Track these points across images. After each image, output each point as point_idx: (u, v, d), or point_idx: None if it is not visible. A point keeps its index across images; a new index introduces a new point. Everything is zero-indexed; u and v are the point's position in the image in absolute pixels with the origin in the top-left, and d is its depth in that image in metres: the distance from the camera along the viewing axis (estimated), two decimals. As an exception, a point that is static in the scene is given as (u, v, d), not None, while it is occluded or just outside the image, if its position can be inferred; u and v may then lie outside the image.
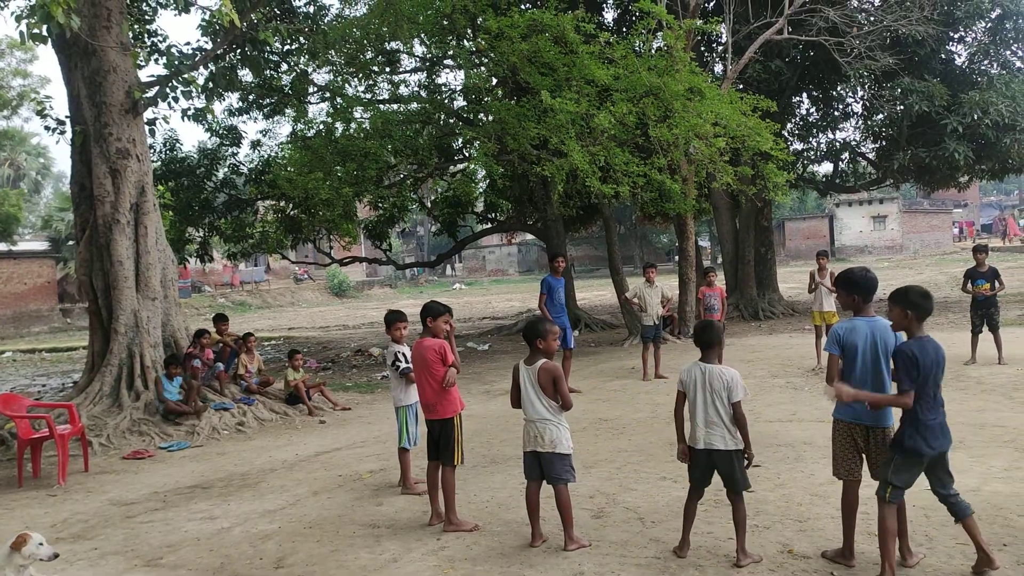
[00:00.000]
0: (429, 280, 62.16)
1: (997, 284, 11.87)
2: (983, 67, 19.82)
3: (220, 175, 20.68)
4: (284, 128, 42.26)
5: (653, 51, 15.13)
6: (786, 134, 20.53)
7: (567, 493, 5.52)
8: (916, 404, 4.51)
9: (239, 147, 20.71)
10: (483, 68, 16.66)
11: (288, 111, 19.96)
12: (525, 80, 14.35)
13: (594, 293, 36.52)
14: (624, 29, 20.20)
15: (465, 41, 16.93)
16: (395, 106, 18.32)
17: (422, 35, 16.45)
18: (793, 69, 20.50)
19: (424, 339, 6.31)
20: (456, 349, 6.47)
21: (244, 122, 34.74)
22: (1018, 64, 19.62)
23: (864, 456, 4.88)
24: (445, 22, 15.28)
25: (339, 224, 17.29)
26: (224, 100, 18.95)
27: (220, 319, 13.10)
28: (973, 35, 19.88)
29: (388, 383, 14.48)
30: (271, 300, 47.36)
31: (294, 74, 19.39)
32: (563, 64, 13.89)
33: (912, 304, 4.63)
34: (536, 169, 14.15)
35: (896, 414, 4.84)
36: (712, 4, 20.94)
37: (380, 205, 20.27)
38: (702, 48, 21.59)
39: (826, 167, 25.13)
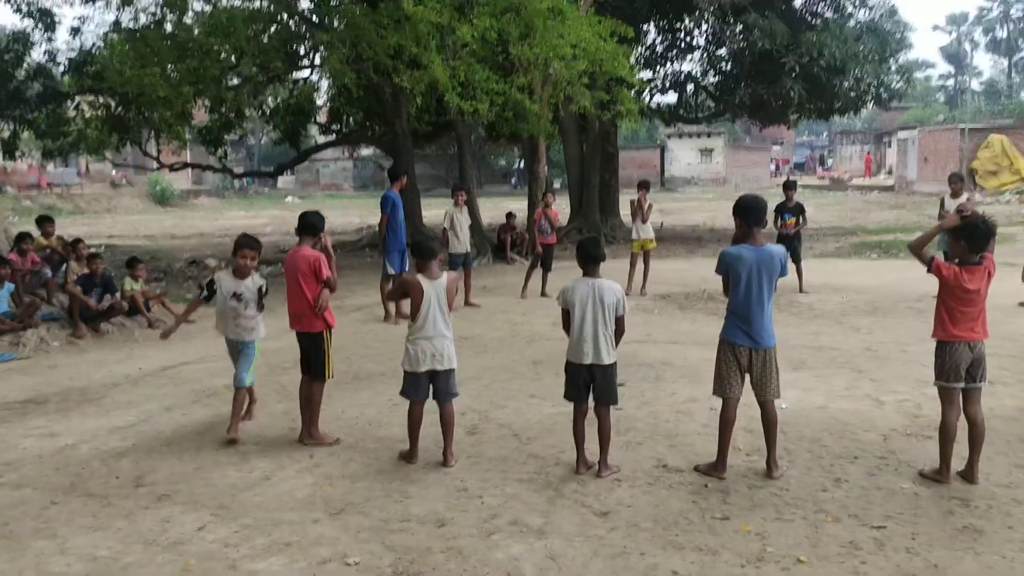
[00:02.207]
0: (259, 192, 59.38)
1: (801, 219, 12.71)
2: (818, 9, 20.84)
3: (32, 62, 18.52)
4: (106, 16, 38.36)
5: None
6: (634, 61, 20.82)
7: (453, 408, 5.54)
8: None
9: (54, 32, 18.58)
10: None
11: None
12: (382, -15, 13.65)
13: (433, 212, 36.17)
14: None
15: (317, -63, 15.85)
16: (237, 2, 16.97)
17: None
18: (645, -3, 20.73)
19: (300, 248, 6.01)
20: (334, 265, 6.18)
21: (59, 6, 31.22)
22: (850, 9, 20.77)
23: (749, 375, 5.10)
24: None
25: (173, 126, 16.03)
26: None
27: (45, 221, 11.92)
28: (812, -24, 20.84)
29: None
30: (84, 205, 43.63)
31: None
32: (423, -29, 13.29)
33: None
34: (393, 80, 13.61)
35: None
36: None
37: (218, 109, 18.92)
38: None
39: (670, 97, 25.85)
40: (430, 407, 5.54)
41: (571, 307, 5.23)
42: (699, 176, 58.28)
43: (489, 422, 6.46)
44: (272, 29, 17.01)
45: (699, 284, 13.25)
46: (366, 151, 53.83)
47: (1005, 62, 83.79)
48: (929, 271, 5.00)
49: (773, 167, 65.90)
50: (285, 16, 18.21)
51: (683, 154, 59.74)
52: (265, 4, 16.75)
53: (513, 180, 61.33)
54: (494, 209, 31.50)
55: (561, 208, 26.57)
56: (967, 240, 4.87)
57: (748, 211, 5.02)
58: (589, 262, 5.27)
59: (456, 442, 5.71)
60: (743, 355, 5.06)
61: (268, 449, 5.94)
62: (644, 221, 12.82)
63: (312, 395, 6.02)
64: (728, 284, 5.09)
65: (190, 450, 5.96)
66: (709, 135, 58.48)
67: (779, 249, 5.14)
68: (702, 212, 34.73)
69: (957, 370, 4.90)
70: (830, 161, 70.97)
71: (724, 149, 59.16)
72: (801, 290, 12.35)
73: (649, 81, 23.60)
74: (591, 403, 5.32)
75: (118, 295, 10.62)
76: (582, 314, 5.17)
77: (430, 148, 37.62)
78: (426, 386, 5.47)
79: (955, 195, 12.14)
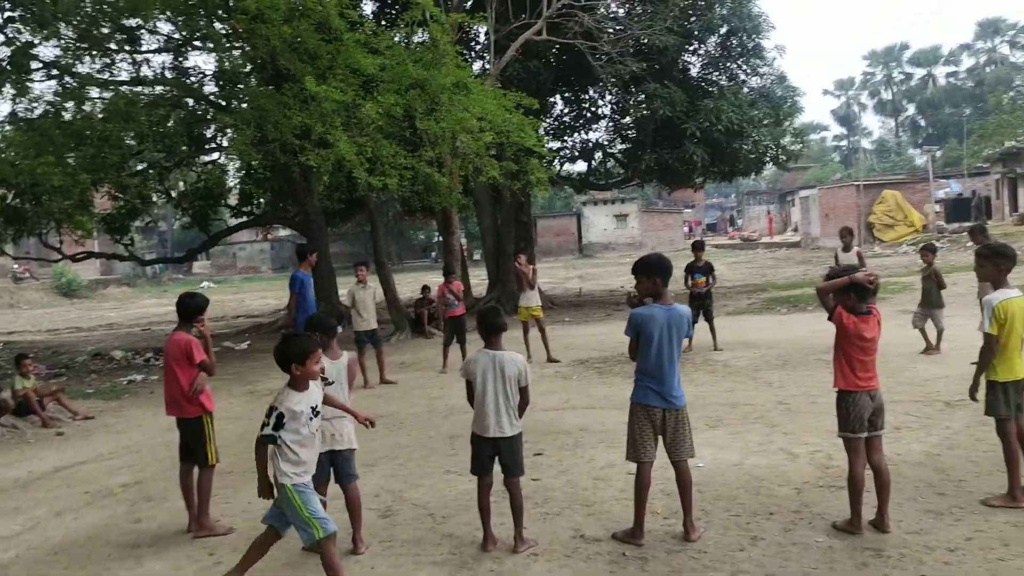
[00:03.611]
0: (174, 279, 57.96)
1: (711, 279, 12.99)
2: (714, 77, 21.76)
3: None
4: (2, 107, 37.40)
5: (419, 43, 15.02)
6: (543, 132, 21.27)
7: (358, 490, 5.31)
8: None
9: (-56, 124, 17.88)
10: (238, 52, 15.66)
11: (6, 88, 17.55)
12: (286, 67, 13.66)
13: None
14: (384, 22, 19.93)
15: (218, 22, 15.80)
16: (138, 88, 16.73)
17: (167, 12, 15.13)
18: (550, 71, 21.28)
19: (176, 332, 5.84)
20: (211, 348, 5.95)
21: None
22: (743, 76, 21.74)
23: (662, 436, 5.05)
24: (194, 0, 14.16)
25: (73, 216, 15.51)
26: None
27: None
28: (706, 48, 21.77)
29: (136, 388, 13.27)
30: (-16, 302, 41.79)
31: (15, 46, 17.10)
32: (327, 52, 13.37)
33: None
34: (300, 159, 13.53)
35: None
36: (471, 2, 21.23)
37: (122, 196, 18.44)
38: (462, 46, 21.83)
39: (580, 166, 26.44)
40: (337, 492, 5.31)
41: (472, 379, 5.13)
42: (615, 241, 59.51)
43: (403, 502, 6.24)
44: (175, 113, 16.83)
45: (616, 348, 13.29)
46: (284, 232, 53.29)
47: (892, 122, 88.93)
48: (830, 319, 5.08)
49: (686, 229, 67.86)
50: (190, 100, 18.07)
51: (599, 220, 61.01)
52: (167, 89, 16.55)
53: (433, 254, 61.58)
54: (414, 283, 31.42)
55: (480, 279, 26.70)
56: (856, 292, 4.99)
57: (658, 270, 5.03)
58: (490, 333, 5.20)
59: (367, 526, 5.48)
60: (656, 416, 5.00)
61: (165, 550, 5.58)
62: (532, 287, 12.95)
63: (200, 483, 5.78)
64: (635, 345, 5.04)
65: (80, 557, 5.56)
66: (623, 201, 60.01)
67: (686, 309, 5.16)
68: (620, 276, 35.30)
69: (861, 420, 4.95)
70: (740, 221, 73.46)
71: (638, 214, 60.70)
72: (716, 348, 12.51)
73: (558, 150, 24.11)
74: (500, 476, 5.18)
75: (6, 393, 10.04)
76: (483, 386, 5.08)
77: (346, 225, 37.44)
78: (327, 467, 5.23)
79: (846, 248, 12.63)
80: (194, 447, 5.84)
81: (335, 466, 5.25)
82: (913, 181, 44.09)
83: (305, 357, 4.47)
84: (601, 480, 6.40)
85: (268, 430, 4.40)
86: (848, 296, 5.03)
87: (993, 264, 5.43)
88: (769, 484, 6.00)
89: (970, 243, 10.57)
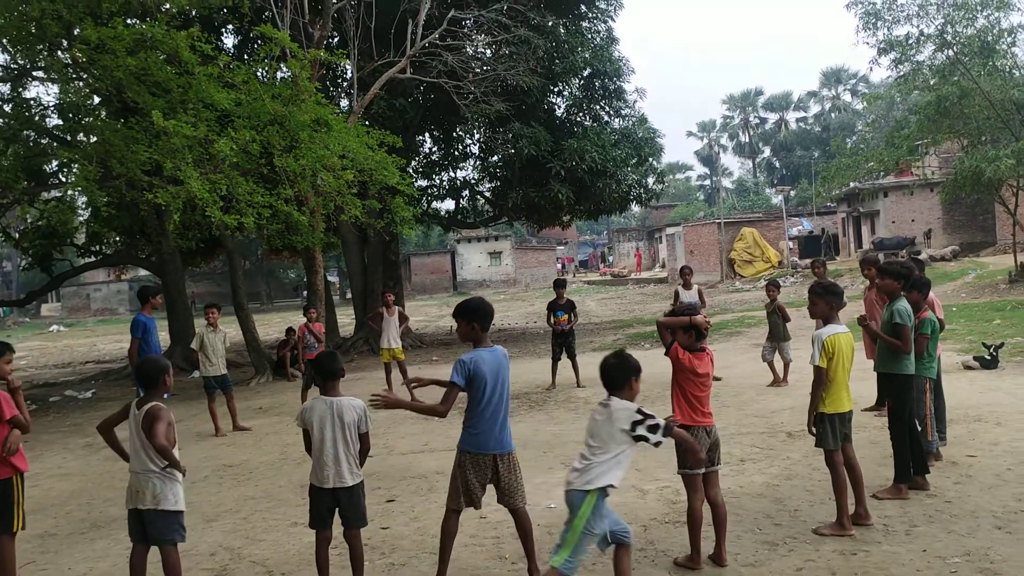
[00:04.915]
0: (19, 322, 54.21)
1: (573, 316, 13.10)
2: (578, 118, 22.33)
3: None
4: None
5: (278, 79, 14.69)
6: (411, 171, 21.20)
7: (176, 555, 4.82)
8: None
9: None
10: (82, 83, 14.87)
11: None
12: (134, 100, 13.06)
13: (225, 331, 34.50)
14: (247, 56, 19.46)
15: (60, 52, 14.99)
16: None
17: (2, 40, 14.24)
18: (417, 109, 21.29)
19: None
20: (23, 402, 5.43)
21: None
22: (605, 118, 22.40)
23: (495, 483, 4.94)
24: (33, 27, 13.36)
25: None
26: None
27: None
28: (570, 90, 22.34)
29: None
30: None
31: None
32: (178, 85, 12.85)
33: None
34: (147, 196, 12.89)
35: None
36: (337, 40, 21.05)
37: (-49, 235, 17.12)
38: (327, 82, 21.58)
39: (449, 204, 26.50)
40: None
41: (309, 428, 4.90)
42: (490, 278, 59.94)
43: (241, 560, 5.88)
44: (13, 147, 15.78)
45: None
46: (143, 272, 50.85)
47: (750, 163, 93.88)
48: (667, 354, 5.15)
49: (559, 266, 69.07)
50: (32, 133, 17.03)
51: (473, 257, 61.35)
52: (5, 121, 15.51)
53: (305, 292, 60.00)
54: (282, 323, 30.52)
55: (351, 318, 26.17)
56: (696, 332, 5.09)
57: (482, 315, 4.94)
58: (326, 378, 4.98)
59: (198, 590, 5.11)
60: (488, 463, 4.89)
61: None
62: (382, 329, 12.89)
63: (4, 553, 5.19)
64: (450, 393, 4.76)
65: None
66: (497, 238, 60.63)
67: (504, 350, 5.08)
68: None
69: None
70: (611, 258, 75.44)
71: (512, 251, 61.43)
72: (578, 384, 12.62)
73: (427, 188, 24.09)
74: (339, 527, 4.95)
75: None
76: (321, 435, 4.85)
77: (212, 264, 36.11)
78: (138, 527, 4.79)
79: (687, 286, 13.10)
80: (1, 511, 5.29)
81: (144, 526, 4.76)
82: (769, 219, 46.58)
83: None
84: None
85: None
86: (688, 334, 5.12)
87: (825, 301, 5.67)
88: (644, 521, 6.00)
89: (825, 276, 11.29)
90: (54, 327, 48.59)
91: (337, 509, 4.91)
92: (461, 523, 6.24)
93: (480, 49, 21.47)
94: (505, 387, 4.88)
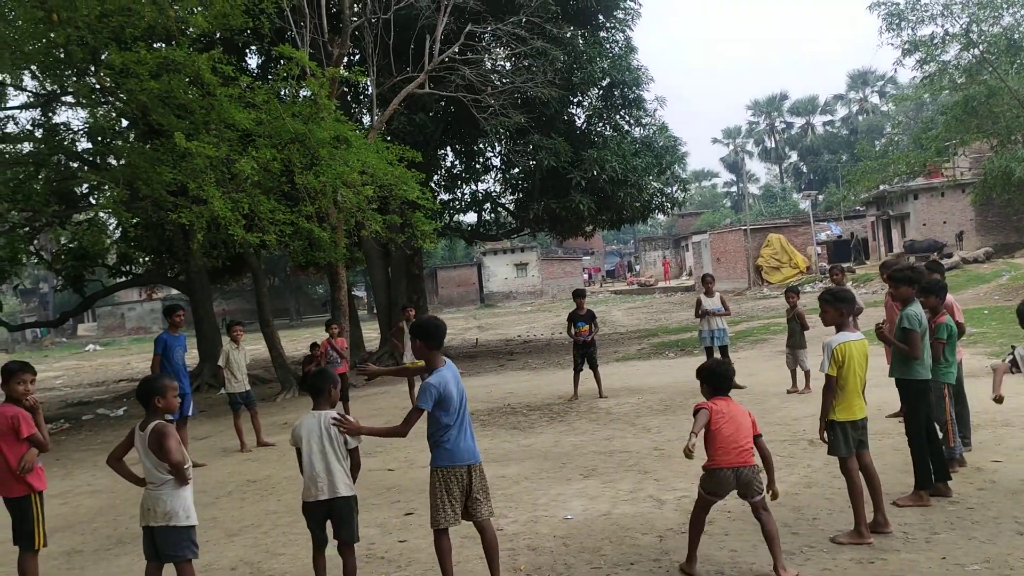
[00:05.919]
0: (56, 343, 55.22)
1: (593, 327, 13.01)
2: (598, 128, 22.31)
3: None
4: None
5: (299, 98, 14.87)
6: (433, 185, 21.34)
7: (191, 571, 4.86)
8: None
9: None
10: (109, 107, 15.19)
11: None
12: (158, 122, 13.30)
13: (247, 348, 34.88)
14: (269, 76, 19.73)
15: (87, 77, 15.32)
16: (2, 145, 16.03)
17: (31, 67, 14.59)
18: (437, 123, 21.42)
19: (3, 405, 5.44)
20: (43, 421, 5.54)
21: None
22: (626, 127, 22.38)
23: (466, 496, 4.95)
24: (60, 54, 13.68)
25: (-71, 280, 14.60)
26: None
27: None
28: (589, 100, 22.36)
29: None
30: None
31: None
32: (200, 106, 13.08)
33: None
34: (172, 217, 13.11)
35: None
36: (357, 57, 21.28)
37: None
38: (348, 99, 21.81)
39: (471, 216, 26.61)
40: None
41: (299, 444, 4.99)
42: (516, 290, 59.95)
43: (260, 574, 5.94)
44: (44, 172, 16.14)
45: (504, 399, 13.25)
46: (174, 291, 51.55)
47: (776, 168, 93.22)
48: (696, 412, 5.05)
49: (586, 276, 68.95)
50: (63, 157, 17.41)
51: (499, 269, 61.41)
52: (36, 146, 15.89)
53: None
54: (311, 338, 30.72)
55: (375, 332, 26.31)
56: (707, 383, 5.08)
57: (434, 335, 4.98)
58: (316, 394, 5.08)
59: (218, 604, 5.17)
60: (463, 476, 4.91)
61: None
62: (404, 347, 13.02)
63: (26, 569, 5.31)
64: (414, 416, 4.86)
65: None
66: (523, 250, 60.66)
67: (454, 367, 5.11)
68: (520, 325, 35.52)
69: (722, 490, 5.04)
70: (638, 267, 75.13)
71: (538, 262, 61.40)
72: (601, 395, 12.57)
73: (447, 202, 24.20)
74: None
75: None
76: (310, 449, 4.95)
77: (242, 282, 36.56)
78: (149, 544, 4.83)
79: (709, 294, 13.02)
80: (22, 528, 5.40)
81: (155, 542, 4.78)
82: (796, 224, 46.17)
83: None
84: (469, 538, 6.23)
85: None
86: (705, 386, 5.11)
87: (835, 308, 5.61)
88: (634, 533, 5.98)
89: (845, 282, 11.19)
90: (90, 346, 49.41)
91: (329, 522, 5.01)
92: (474, 536, 6.29)
93: (498, 62, 21.59)
94: (465, 398, 5.00)
